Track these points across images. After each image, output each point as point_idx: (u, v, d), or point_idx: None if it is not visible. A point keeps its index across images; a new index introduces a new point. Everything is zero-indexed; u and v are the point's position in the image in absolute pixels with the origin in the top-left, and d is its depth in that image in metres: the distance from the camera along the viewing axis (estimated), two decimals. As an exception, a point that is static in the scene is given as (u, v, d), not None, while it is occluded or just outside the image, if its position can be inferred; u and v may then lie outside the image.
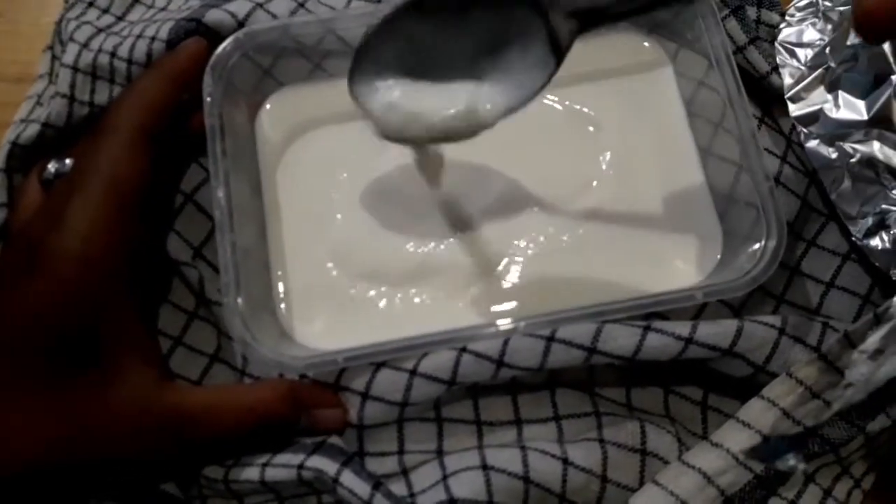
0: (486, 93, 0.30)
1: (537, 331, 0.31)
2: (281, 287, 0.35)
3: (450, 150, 0.36)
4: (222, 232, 0.31)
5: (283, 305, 0.35)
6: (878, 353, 0.27)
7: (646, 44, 0.38)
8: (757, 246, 0.31)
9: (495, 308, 0.34)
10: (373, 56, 0.30)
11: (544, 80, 0.29)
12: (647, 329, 0.31)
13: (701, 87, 0.36)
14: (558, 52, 0.29)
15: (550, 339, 0.31)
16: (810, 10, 0.38)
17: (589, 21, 0.29)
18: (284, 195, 0.36)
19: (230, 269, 0.31)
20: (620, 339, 0.31)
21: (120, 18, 0.42)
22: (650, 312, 0.32)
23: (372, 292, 0.35)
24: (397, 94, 0.30)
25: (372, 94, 0.30)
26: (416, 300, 0.35)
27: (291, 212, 0.36)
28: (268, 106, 0.38)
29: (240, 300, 0.31)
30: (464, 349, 0.31)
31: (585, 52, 0.37)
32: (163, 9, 0.42)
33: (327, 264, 0.35)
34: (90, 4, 0.42)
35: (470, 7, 0.29)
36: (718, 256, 0.35)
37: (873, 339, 0.28)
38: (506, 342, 0.31)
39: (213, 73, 0.34)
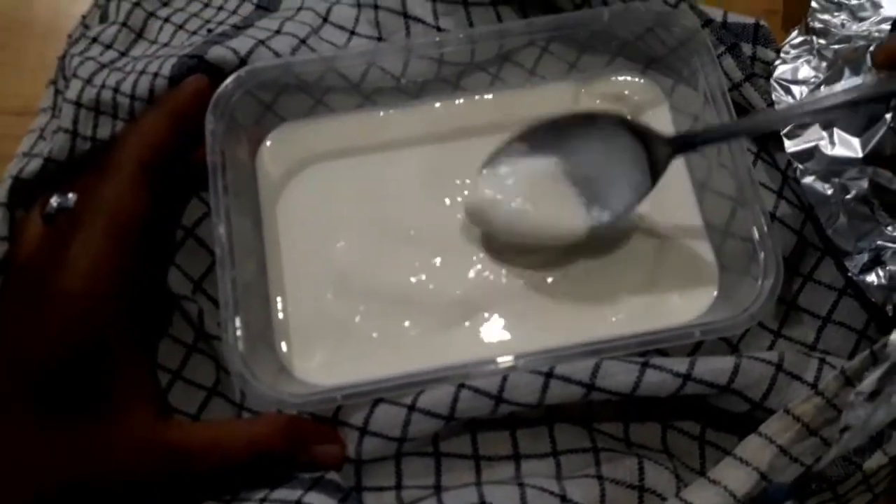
0: (595, 214, 0.34)
1: (536, 367, 0.31)
2: (280, 321, 0.35)
3: (446, 187, 0.36)
4: (223, 268, 0.31)
5: (282, 341, 0.35)
6: (874, 395, 0.27)
7: (642, 80, 0.39)
8: (754, 282, 0.32)
9: (492, 341, 0.34)
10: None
11: (640, 198, 0.34)
12: (645, 366, 0.31)
13: (697, 123, 0.37)
14: (655, 174, 0.34)
15: (549, 375, 0.31)
16: (805, 47, 0.38)
17: (683, 146, 0.34)
18: (285, 230, 0.37)
19: (230, 306, 0.31)
20: (619, 376, 0.31)
21: (123, 54, 0.43)
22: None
23: (369, 325, 0.35)
24: (527, 206, 0.34)
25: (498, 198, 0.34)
26: (413, 332, 0.35)
27: (291, 246, 0.36)
28: (269, 142, 0.38)
29: (239, 335, 0.31)
30: (462, 385, 0.31)
31: (582, 88, 0.39)
32: (166, 44, 0.42)
33: (327, 297, 0.35)
34: (94, 40, 0.43)
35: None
36: (715, 292, 0.35)
37: (870, 381, 0.28)
38: (504, 378, 0.31)
39: (215, 111, 0.34)
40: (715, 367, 0.31)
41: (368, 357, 0.34)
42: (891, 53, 0.26)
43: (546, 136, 0.34)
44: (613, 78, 0.39)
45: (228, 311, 0.31)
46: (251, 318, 0.32)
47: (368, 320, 0.35)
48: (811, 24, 0.38)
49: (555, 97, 0.39)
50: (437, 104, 0.39)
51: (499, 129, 0.36)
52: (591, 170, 0.34)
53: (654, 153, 0.33)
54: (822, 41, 0.38)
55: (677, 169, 0.37)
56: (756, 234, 0.32)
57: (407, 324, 0.35)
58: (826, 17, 0.39)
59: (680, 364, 0.31)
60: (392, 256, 0.36)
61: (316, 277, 0.36)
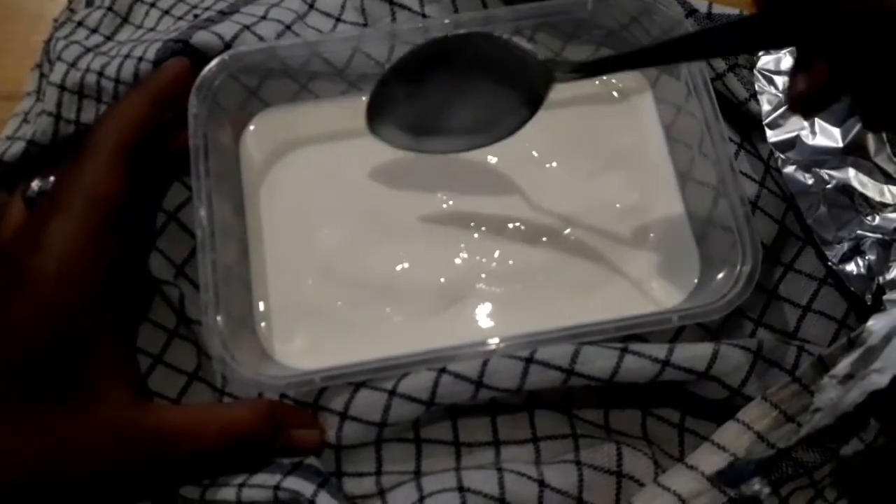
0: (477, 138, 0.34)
1: (516, 352, 0.31)
2: (262, 306, 0.35)
3: (429, 173, 0.36)
4: (203, 251, 0.31)
5: (263, 324, 0.35)
6: (847, 378, 0.27)
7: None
8: (733, 269, 0.32)
9: (473, 327, 0.35)
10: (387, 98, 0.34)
11: (521, 122, 0.33)
12: (624, 351, 0.31)
13: (680, 112, 0.37)
14: (536, 99, 0.33)
15: (529, 360, 0.31)
16: (788, 38, 0.38)
17: (563, 70, 0.32)
18: (267, 214, 0.37)
19: (210, 289, 0.31)
20: (598, 361, 0.31)
21: (108, 38, 0.42)
22: (628, 335, 0.32)
23: (352, 310, 0.35)
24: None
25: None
26: (396, 318, 0.35)
27: (274, 231, 0.36)
28: (252, 126, 0.38)
29: (219, 319, 0.31)
30: (443, 370, 0.31)
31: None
32: (151, 29, 0.42)
33: (308, 282, 0.35)
34: (79, 24, 0.43)
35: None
36: (696, 280, 0.35)
37: (844, 364, 0.28)
38: (485, 363, 0.31)
39: (198, 94, 0.34)
40: (694, 353, 0.31)
41: (350, 343, 0.34)
42: (801, 97, 0.26)
43: (422, 66, 0.34)
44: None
45: (209, 294, 0.31)
46: (232, 302, 0.32)
47: (351, 306, 0.35)
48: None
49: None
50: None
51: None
52: (469, 95, 0.34)
53: (531, 75, 0.32)
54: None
55: (660, 156, 0.37)
56: (736, 223, 0.32)
57: (389, 310, 0.35)
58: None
59: (659, 350, 0.31)
60: (375, 244, 0.36)
61: (298, 263, 0.36)
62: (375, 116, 0.34)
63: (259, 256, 0.36)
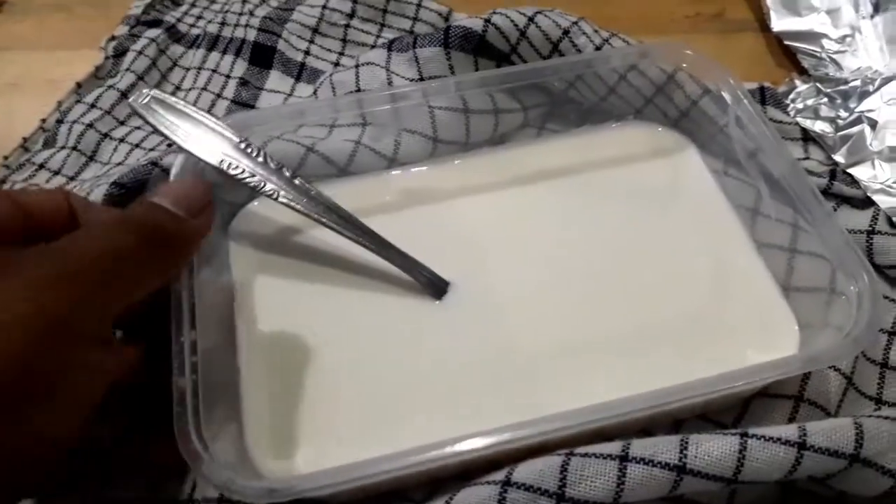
0: None
1: (603, 449, 0.23)
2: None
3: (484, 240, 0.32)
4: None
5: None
6: None
7: (660, 129, 0.36)
8: (848, 304, 0.26)
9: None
10: None
11: None
12: (744, 436, 0.23)
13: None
14: None
15: (624, 458, 0.23)
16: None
17: None
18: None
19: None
20: (715, 451, 0.23)
21: (72, 178, 0.38)
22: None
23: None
24: None
25: None
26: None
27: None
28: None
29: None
30: (508, 481, 0.23)
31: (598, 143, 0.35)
32: (119, 164, 0.38)
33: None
34: (40, 167, 0.38)
35: None
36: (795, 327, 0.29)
37: None
38: (564, 466, 0.23)
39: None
40: (828, 427, 0.24)
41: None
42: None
43: None
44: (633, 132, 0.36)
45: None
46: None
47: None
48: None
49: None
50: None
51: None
52: None
53: None
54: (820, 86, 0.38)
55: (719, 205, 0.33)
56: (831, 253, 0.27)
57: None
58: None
59: (786, 432, 0.24)
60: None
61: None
62: None
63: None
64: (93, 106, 0.40)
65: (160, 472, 0.27)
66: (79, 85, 0.42)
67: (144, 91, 0.28)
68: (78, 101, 0.41)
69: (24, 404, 0.20)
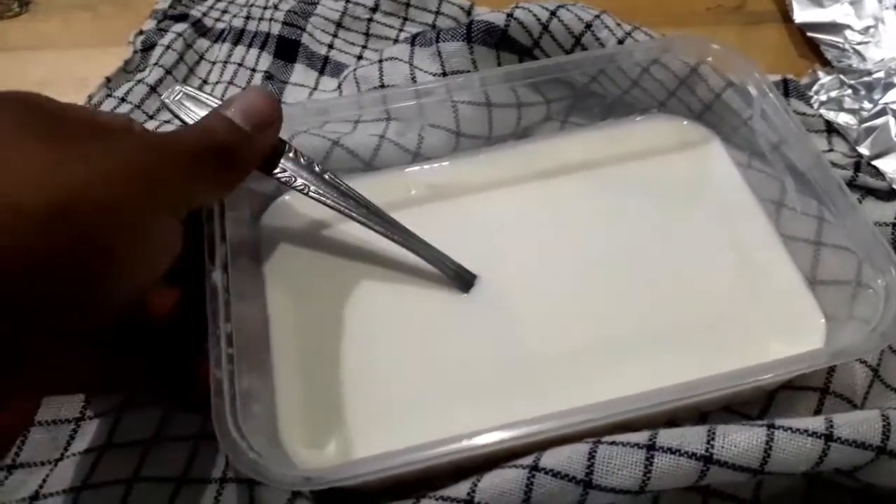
0: None
1: (630, 438, 0.23)
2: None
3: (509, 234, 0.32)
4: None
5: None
6: None
7: (685, 122, 0.36)
8: (874, 295, 0.26)
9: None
10: None
11: None
12: (772, 427, 0.24)
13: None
14: None
15: (651, 447, 0.23)
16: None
17: None
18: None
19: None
20: (741, 443, 0.23)
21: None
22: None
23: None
24: None
25: None
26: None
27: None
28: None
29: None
30: (535, 466, 0.23)
31: (622, 136, 0.35)
32: None
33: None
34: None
35: None
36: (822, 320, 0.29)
37: None
38: (591, 454, 0.23)
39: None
40: (855, 420, 0.24)
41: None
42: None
43: None
44: (656, 125, 0.37)
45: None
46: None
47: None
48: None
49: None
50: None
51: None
52: None
53: None
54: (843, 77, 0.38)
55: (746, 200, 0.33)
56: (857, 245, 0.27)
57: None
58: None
59: (813, 423, 0.24)
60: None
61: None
62: None
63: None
64: (123, 100, 0.41)
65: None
66: (108, 79, 0.43)
67: (176, 88, 0.29)
68: (108, 96, 0.41)
69: (119, 236, 0.21)
